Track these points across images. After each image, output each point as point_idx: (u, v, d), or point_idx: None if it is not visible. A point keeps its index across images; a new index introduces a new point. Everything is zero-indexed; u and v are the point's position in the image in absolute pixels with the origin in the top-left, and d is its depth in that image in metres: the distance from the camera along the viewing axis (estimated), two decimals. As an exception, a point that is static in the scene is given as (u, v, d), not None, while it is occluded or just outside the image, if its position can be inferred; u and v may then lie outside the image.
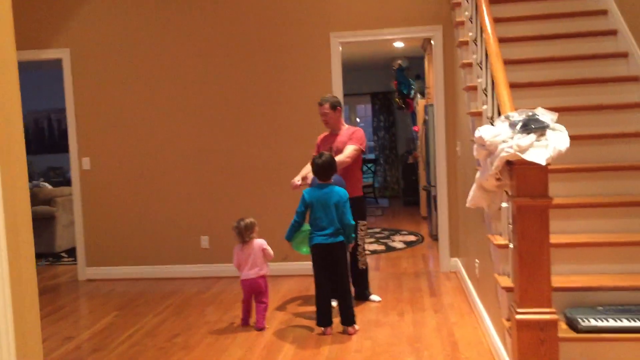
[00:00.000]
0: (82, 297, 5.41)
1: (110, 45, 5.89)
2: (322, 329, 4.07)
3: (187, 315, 4.62)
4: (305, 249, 4.29)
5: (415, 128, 9.64)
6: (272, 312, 4.58)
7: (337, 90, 5.66)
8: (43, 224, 7.16)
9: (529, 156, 2.53)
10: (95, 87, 5.94)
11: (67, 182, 8.32)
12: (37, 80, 10.12)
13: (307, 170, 4.59)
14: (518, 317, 2.63)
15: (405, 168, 11.06)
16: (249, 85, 5.78)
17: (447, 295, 4.92)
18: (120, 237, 5.99)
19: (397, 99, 10.51)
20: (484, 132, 2.74)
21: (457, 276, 5.51)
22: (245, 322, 4.33)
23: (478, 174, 2.93)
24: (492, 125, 2.84)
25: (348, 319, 4.07)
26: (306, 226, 4.24)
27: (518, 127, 2.59)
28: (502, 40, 4.41)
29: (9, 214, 1.41)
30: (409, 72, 10.13)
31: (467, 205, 3.08)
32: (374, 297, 4.85)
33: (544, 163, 2.51)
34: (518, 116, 2.67)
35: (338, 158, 4.41)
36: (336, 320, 4.15)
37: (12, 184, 1.46)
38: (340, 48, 5.69)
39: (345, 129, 4.82)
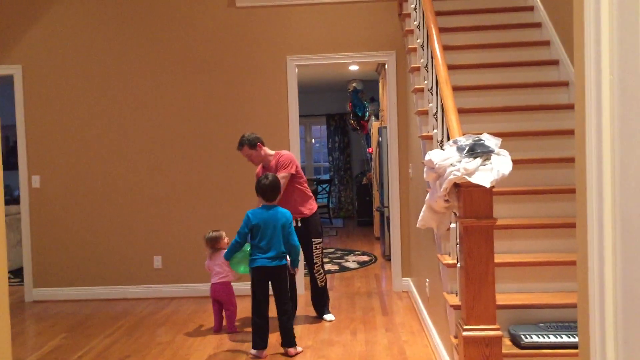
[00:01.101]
0: (30, 319, 5.27)
1: (63, 63, 5.84)
2: (256, 351, 4.01)
3: (139, 336, 4.56)
4: (243, 269, 4.24)
5: (369, 150, 9.81)
6: (227, 332, 4.60)
7: (293, 110, 5.75)
8: (-12, 243, 6.94)
9: (475, 179, 2.65)
10: (47, 104, 5.86)
11: (15, 201, 8.09)
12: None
13: None
14: (464, 333, 2.73)
15: (360, 189, 11.21)
16: (205, 106, 5.81)
17: (398, 314, 5.01)
18: (70, 257, 5.87)
19: (351, 121, 10.69)
20: (434, 155, 2.86)
21: (408, 295, 5.62)
22: (216, 328, 4.66)
23: (428, 196, 3.05)
24: (442, 149, 2.96)
25: (290, 341, 4.04)
26: (247, 246, 4.20)
27: (465, 151, 2.72)
28: (451, 68, 4.60)
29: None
30: (363, 94, 10.34)
31: (418, 225, 3.19)
32: (327, 316, 4.90)
33: (488, 185, 2.64)
34: (465, 140, 2.80)
35: None
36: (275, 341, 4.18)
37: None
38: (297, 70, 5.80)
39: (272, 157, 4.75)
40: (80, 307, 5.56)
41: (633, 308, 1.16)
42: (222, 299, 4.62)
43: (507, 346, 2.94)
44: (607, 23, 1.23)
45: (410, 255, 5.70)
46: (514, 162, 3.80)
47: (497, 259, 3.37)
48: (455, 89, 4.45)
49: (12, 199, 9.11)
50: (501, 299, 3.24)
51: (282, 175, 4.53)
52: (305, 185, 4.84)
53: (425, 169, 3.00)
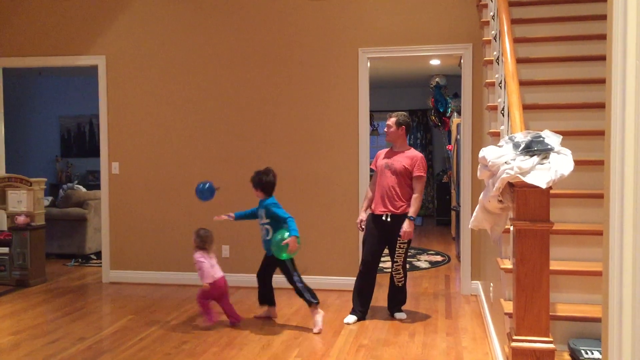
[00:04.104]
0: (103, 299, 5.52)
1: (145, 54, 6.04)
2: None
3: (201, 323, 4.64)
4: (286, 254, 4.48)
5: (449, 147, 9.52)
6: (282, 325, 4.59)
7: (363, 104, 5.65)
8: (75, 225, 7.36)
9: (529, 179, 2.45)
10: (128, 94, 6.09)
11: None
12: (83, 86, 10.46)
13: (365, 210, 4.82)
14: (513, 344, 2.55)
15: (440, 187, 10.92)
16: (276, 98, 5.82)
17: (463, 318, 4.80)
18: (144, 241, 6.09)
19: (433, 117, 10.42)
20: (488, 152, 2.68)
21: (477, 299, 5.38)
22: (215, 319, 4.63)
23: (481, 195, 2.87)
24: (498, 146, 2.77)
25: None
26: (283, 232, 4.48)
27: (520, 148, 2.53)
28: (527, 61, 4.34)
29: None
30: (446, 90, 10.03)
31: (470, 226, 3.01)
32: (398, 314, 4.79)
33: (544, 186, 2.43)
34: (522, 137, 2.60)
35: (416, 198, 4.64)
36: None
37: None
38: (369, 64, 5.68)
39: (408, 150, 4.74)
40: (152, 291, 5.75)
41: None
42: (225, 291, 4.66)
43: (565, 361, 2.73)
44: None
45: (480, 257, 5.46)
46: (593, 162, 3.53)
47: (563, 266, 3.15)
48: (531, 83, 4.21)
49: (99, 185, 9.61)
50: (564, 309, 3.01)
51: (422, 175, 4.65)
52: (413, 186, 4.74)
53: (479, 166, 2.82)
